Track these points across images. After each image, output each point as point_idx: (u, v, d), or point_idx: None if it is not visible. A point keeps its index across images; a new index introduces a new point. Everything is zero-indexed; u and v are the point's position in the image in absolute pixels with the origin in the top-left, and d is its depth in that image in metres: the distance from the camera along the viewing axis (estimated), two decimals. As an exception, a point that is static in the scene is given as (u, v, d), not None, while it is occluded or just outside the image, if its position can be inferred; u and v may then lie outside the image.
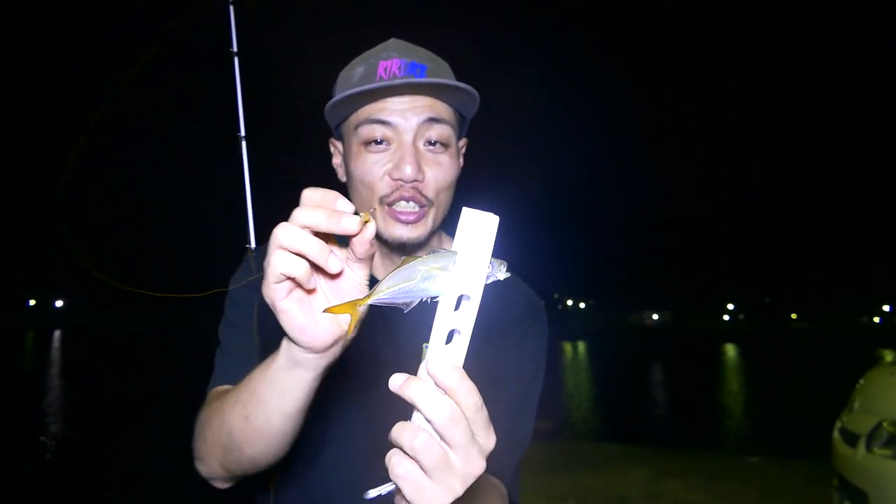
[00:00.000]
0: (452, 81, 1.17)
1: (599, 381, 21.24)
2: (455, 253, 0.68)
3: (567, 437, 9.91)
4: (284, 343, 0.85)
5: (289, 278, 0.75)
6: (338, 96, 1.16)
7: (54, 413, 11.56)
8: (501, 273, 0.69)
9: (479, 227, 0.68)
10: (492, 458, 1.15)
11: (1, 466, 7.32)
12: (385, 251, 1.25)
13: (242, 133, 0.85)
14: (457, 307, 0.69)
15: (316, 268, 0.77)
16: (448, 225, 1.26)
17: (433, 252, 0.69)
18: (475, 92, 1.18)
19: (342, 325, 0.82)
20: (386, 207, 1.17)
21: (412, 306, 0.69)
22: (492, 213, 0.68)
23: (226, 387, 1.17)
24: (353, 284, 0.80)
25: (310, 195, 0.74)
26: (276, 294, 0.76)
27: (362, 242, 0.74)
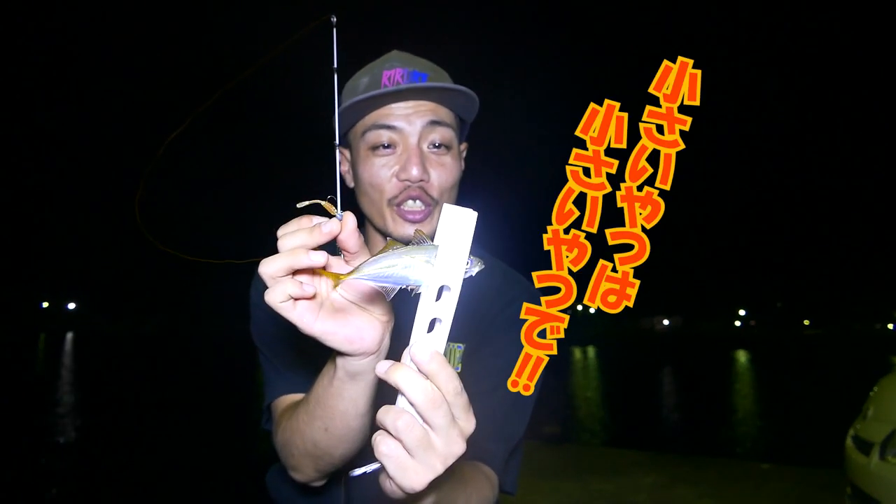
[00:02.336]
0: (452, 85, 1.23)
1: (609, 386, 21.15)
2: (436, 246, 0.71)
3: (577, 441, 9.87)
4: (338, 360, 0.89)
5: (296, 299, 0.79)
6: (345, 104, 1.20)
7: (64, 415, 11.65)
8: (476, 269, 0.73)
9: (459, 222, 0.71)
10: (482, 445, 1.16)
11: (9, 468, 7.39)
12: None
13: (337, 142, 0.94)
14: (438, 297, 0.72)
15: (312, 274, 0.82)
16: None
17: (416, 243, 0.72)
18: (474, 95, 1.24)
19: (380, 318, 0.86)
20: (394, 208, 1.23)
21: (393, 294, 0.73)
22: (470, 210, 0.72)
23: (287, 398, 1.25)
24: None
25: (284, 228, 0.81)
26: (304, 318, 0.80)
27: (348, 237, 0.79)
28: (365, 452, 0.77)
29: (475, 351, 1.32)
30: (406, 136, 1.22)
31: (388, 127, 1.21)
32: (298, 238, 0.78)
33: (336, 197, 0.84)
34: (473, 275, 0.73)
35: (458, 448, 0.72)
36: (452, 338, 0.76)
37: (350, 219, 0.79)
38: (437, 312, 0.72)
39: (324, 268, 0.81)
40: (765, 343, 71.59)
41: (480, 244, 1.24)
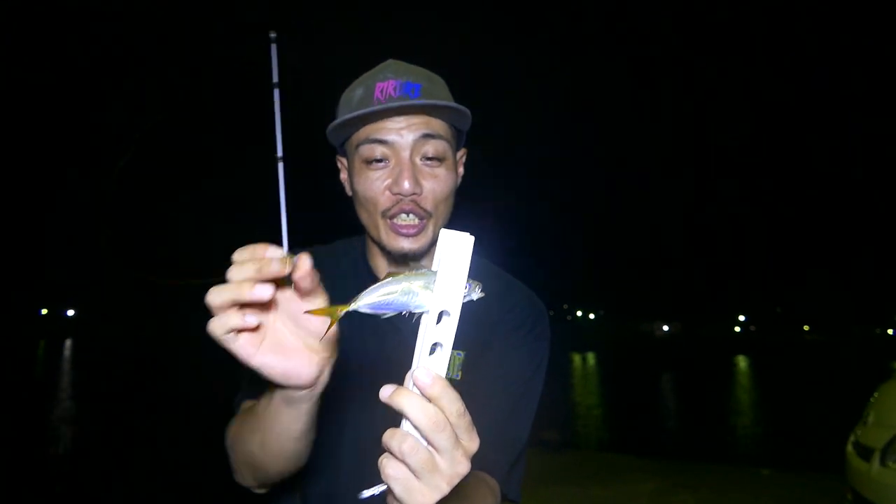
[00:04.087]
0: (441, 102, 1.23)
1: (609, 392, 21.13)
2: (435, 272, 0.73)
3: (577, 447, 9.85)
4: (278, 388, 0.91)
5: (239, 331, 0.80)
6: (337, 120, 1.23)
7: (64, 420, 11.63)
8: (476, 294, 0.74)
9: (456, 246, 0.73)
10: (484, 455, 1.18)
11: (10, 471, 7.37)
12: (390, 260, 1.33)
13: (280, 154, 0.93)
14: (438, 322, 0.73)
15: (262, 307, 0.82)
16: None
17: (415, 270, 0.74)
18: (466, 109, 1.25)
19: (320, 355, 0.88)
20: (388, 221, 1.24)
21: (388, 315, 0.74)
22: (467, 234, 0.73)
23: (251, 403, 1.26)
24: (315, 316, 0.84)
25: (238, 254, 0.80)
26: (245, 350, 0.82)
27: (302, 278, 0.79)
28: (371, 474, 0.78)
29: (475, 358, 1.32)
30: (398, 149, 1.22)
31: (381, 141, 1.22)
32: (247, 270, 0.78)
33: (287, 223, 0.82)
34: (474, 299, 0.74)
35: (463, 468, 0.74)
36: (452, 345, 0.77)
37: (304, 261, 0.79)
38: (437, 337, 0.73)
39: (270, 302, 0.81)
40: (765, 348, 71.50)
41: (481, 251, 1.25)
